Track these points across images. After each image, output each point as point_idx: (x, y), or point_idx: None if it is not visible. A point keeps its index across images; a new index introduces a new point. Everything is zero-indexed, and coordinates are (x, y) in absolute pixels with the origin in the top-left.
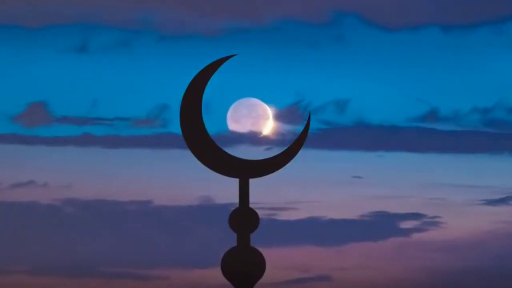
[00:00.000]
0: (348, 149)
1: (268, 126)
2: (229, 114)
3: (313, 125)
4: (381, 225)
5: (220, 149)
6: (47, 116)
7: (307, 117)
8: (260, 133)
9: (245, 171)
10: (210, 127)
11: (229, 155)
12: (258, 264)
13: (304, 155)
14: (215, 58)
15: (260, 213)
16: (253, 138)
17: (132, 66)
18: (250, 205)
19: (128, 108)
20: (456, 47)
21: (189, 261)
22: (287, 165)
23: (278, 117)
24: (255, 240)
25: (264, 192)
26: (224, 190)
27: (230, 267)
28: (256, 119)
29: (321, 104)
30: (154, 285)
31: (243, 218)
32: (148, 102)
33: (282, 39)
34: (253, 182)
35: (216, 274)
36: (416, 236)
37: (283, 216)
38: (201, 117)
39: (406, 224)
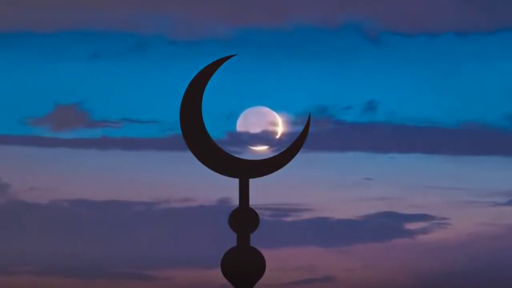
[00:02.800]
0: (361, 150)
1: (278, 132)
2: (239, 122)
3: (327, 126)
4: (388, 226)
5: (220, 149)
6: (80, 118)
7: (307, 118)
8: (275, 135)
9: (245, 171)
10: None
11: (229, 155)
12: (258, 264)
13: (316, 156)
14: (229, 63)
15: (268, 213)
16: (267, 141)
17: (145, 70)
18: (261, 206)
19: (142, 111)
20: (476, 53)
21: (198, 261)
22: (297, 166)
23: (295, 122)
24: (262, 241)
25: (272, 193)
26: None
27: (230, 267)
28: (265, 127)
29: (337, 107)
30: (159, 286)
31: (243, 218)
32: (162, 105)
33: (298, 45)
34: (262, 183)
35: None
36: (423, 237)
37: (290, 217)
38: (201, 117)
39: (413, 226)
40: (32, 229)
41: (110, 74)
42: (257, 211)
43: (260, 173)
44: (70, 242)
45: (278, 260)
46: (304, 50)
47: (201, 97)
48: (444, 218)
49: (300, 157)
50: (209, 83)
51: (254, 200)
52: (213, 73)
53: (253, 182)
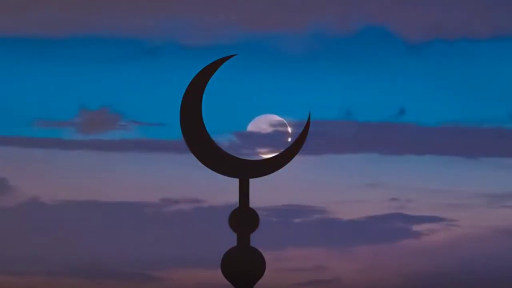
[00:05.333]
0: (374, 152)
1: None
2: (250, 126)
3: (341, 128)
4: (397, 227)
5: (220, 149)
6: (111, 121)
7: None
8: (288, 137)
9: (245, 171)
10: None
11: (229, 155)
12: (258, 264)
13: (326, 157)
14: (240, 67)
15: (275, 214)
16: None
17: (157, 75)
18: (270, 207)
19: (152, 114)
20: (493, 57)
21: (206, 262)
22: (305, 167)
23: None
24: (268, 241)
25: (279, 194)
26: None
27: (229, 267)
28: (276, 131)
29: (360, 111)
30: (161, 286)
31: (243, 218)
32: (173, 108)
33: (310, 51)
34: (270, 184)
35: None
36: (431, 238)
37: (297, 218)
38: (201, 117)
39: (422, 227)
40: (41, 230)
41: (122, 79)
42: (265, 212)
43: (260, 173)
44: (78, 243)
45: (286, 261)
46: (323, 56)
47: (201, 97)
48: (453, 220)
49: (307, 159)
50: (221, 88)
51: (263, 201)
52: (212, 73)
53: (261, 184)
